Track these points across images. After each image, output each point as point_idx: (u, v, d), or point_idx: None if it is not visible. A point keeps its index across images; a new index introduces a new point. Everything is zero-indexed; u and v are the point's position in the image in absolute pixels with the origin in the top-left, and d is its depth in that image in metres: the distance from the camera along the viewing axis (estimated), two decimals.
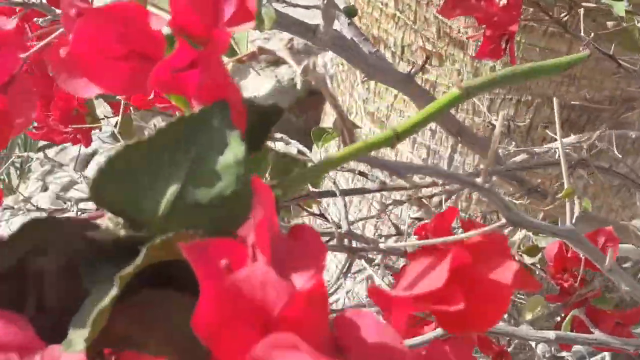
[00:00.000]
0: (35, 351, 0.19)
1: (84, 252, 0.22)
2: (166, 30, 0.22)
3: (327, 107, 1.38)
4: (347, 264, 0.55)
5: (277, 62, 2.24)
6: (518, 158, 0.69)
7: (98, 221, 0.23)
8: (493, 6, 0.49)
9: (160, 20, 0.22)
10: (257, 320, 0.18)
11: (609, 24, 0.59)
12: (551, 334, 0.47)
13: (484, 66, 0.90)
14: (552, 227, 0.34)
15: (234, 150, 0.21)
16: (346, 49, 0.48)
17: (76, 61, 0.22)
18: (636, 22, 0.56)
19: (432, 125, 0.99)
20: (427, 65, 0.97)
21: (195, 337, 0.19)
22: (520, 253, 0.54)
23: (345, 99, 1.23)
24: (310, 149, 0.84)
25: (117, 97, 0.72)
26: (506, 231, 0.81)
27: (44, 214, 0.87)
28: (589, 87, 0.89)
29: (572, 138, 0.65)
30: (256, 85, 2.23)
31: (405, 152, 1.08)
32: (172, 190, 0.21)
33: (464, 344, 0.23)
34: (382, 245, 0.45)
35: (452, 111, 0.88)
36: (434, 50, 0.91)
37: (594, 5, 0.59)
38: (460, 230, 0.57)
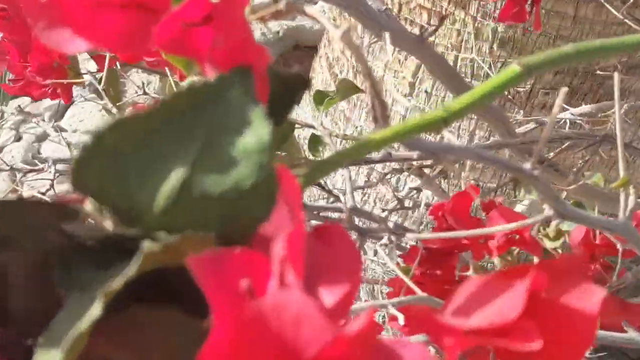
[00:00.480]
0: None
1: (59, 246, 0.17)
2: None
3: (316, 64, 1.32)
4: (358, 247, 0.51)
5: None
6: (524, 128, 0.65)
7: (79, 207, 0.18)
8: None
9: None
10: None
11: None
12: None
13: (485, 26, 0.85)
14: (605, 222, 0.30)
15: (258, 131, 0.16)
16: (355, 7, 0.43)
17: (59, 7, 0.17)
18: None
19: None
20: (426, 25, 0.93)
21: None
22: (540, 237, 0.50)
23: (337, 55, 1.18)
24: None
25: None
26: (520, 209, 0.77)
27: (18, 173, 0.81)
28: None
29: (585, 108, 0.61)
30: None
31: None
32: (175, 178, 0.16)
33: None
34: (391, 225, 0.41)
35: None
36: (434, 8, 0.86)
37: None
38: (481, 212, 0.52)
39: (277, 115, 0.20)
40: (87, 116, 2.01)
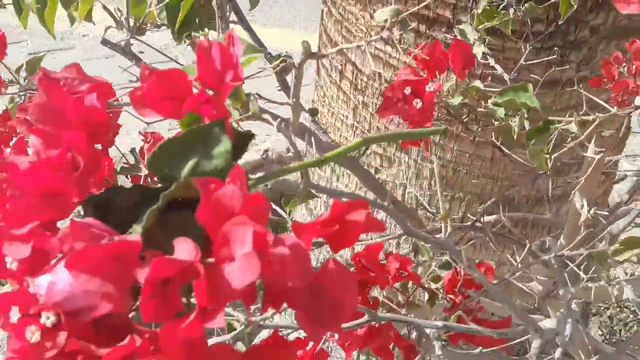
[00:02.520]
0: (115, 235, 0.36)
1: (142, 197, 0.39)
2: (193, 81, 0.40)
3: None
4: None
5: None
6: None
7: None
8: (412, 108, 0.68)
9: (190, 78, 0.40)
10: (227, 216, 0.35)
11: (496, 123, 0.78)
12: (440, 323, 0.63)
13: (424, 167, 1.10)
14: (433, 238, 0.51)
15: (225, 145, 0.39)
16: (309, 137, 0.66)
17: (145, 100, 0.41)
18: (510, 122, 0.75)
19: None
20: (379, 167, 1.18)
21: (198, 234, 0.36)
22: (428, 281, 0.71)
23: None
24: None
25: (140, 172, 0.90)
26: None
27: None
28: (509, 186, 1.08)
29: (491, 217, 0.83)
30: None
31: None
32: (190, 164, 0.39)
33: (348, 271, 0.40)
34: None
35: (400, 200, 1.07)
36: (384, 154, 1.12)
37: (484, 109, 0.78)
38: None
39: (236, 150, 0.43)
40: None
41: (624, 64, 0.98)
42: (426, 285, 0.72)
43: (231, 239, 0.34)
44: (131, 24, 0.69)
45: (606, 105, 0.76)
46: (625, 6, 0.70)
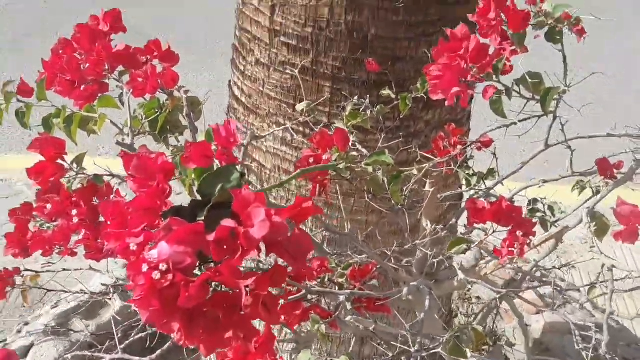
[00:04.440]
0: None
1: (195, 206, 0.73)
2: None
3: None
4: None
5: None
6: None
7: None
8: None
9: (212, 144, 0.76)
10: (248, 204, 0.69)
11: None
12: (348, 292, 0.97)
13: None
14: (343, 233, 0.85)
15: (236, 174, 0.74)
16: None
17: (190, 158, 0.76)
18: (376, 172, 1.13)
19: None
20: None
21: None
22: (337, 276, 1.06)
23: None
24: None
25: None
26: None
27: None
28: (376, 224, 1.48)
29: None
30: None
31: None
32: (219, 186, 0.73)
33: (306, 234, 0.75)
34: None
35: None
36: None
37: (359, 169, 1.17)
38: None
39: (242, 175, 0.78)
40: None
41: (446, 141, 1.42)
42: (335, 280, 1.07)
43: (252, 214, 0.69)
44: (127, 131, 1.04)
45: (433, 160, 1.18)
46: (434, 95, 1.12)
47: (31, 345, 2.03)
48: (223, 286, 0.72)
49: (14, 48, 5.44)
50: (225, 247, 0.69)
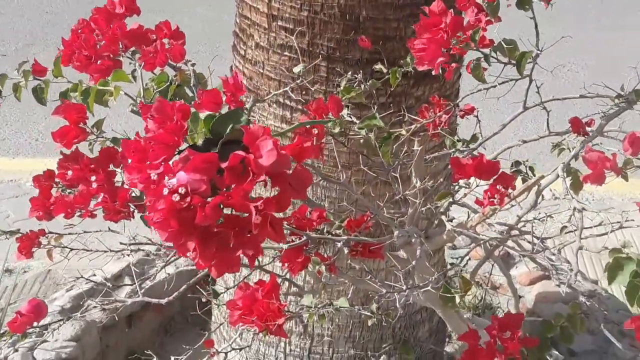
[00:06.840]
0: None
1: (209, 142, 0.82)
2: None
3: None
4: None
5: None
6: None
7: None
8: (313, 134, 1.15)
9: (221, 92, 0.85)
10: (257, 137, 0.78)
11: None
12: (345, 237, 1.05)
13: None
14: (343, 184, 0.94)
15: (244, 116, 0.83)
16: None
17: (203, 105, 0.85)
18: (366, 133, 1.22)
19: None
20: None
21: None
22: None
23: None
24: None
25: None
26: None
27: None
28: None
29: None
30: None
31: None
32: (230, 125, 0.82)
33: (306, 169, 0.84)
34: None
35: None
36: None
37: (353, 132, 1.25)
38: None
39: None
40: None
41: (432, 111, 1.51)
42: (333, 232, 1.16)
43: (261, 146, 0.77)
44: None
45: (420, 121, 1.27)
46: (420, 66, 1.21)
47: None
48: (234, 212, 0.80)
49: (17, 57, 5.57)
50: (238, 173, 0.77)
